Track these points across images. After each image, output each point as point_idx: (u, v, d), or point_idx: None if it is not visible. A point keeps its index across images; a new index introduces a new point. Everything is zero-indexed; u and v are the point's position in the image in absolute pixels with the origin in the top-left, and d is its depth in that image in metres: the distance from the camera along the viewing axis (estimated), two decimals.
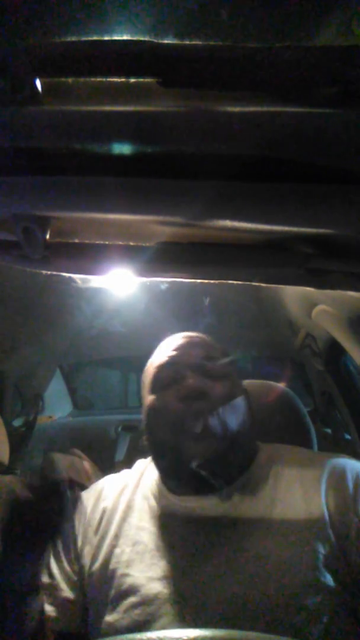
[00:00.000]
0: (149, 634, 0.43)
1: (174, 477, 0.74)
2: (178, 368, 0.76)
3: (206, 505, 0.70)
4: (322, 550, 0.62)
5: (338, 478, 0.69)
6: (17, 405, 1.80)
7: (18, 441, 1.74)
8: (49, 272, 0.59)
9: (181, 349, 0.79)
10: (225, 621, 0.58)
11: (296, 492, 0.68)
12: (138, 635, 0.44)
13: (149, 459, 0.84)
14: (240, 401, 0.74)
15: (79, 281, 0.69)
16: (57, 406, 2.36)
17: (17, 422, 1.80)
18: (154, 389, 0.77)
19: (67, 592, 0.70)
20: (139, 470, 0.83)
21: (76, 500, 0.80)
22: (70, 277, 0.63)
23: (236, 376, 0.80)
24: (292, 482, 0.70)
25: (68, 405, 2.62)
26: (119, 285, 1.00)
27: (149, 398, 0.77)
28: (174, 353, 0.78)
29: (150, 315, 1.32)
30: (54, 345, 1.71)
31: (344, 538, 0.63)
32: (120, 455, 1.88)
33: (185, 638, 0.42)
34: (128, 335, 1.61)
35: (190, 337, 0.83)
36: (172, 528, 0.70)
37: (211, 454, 0.67)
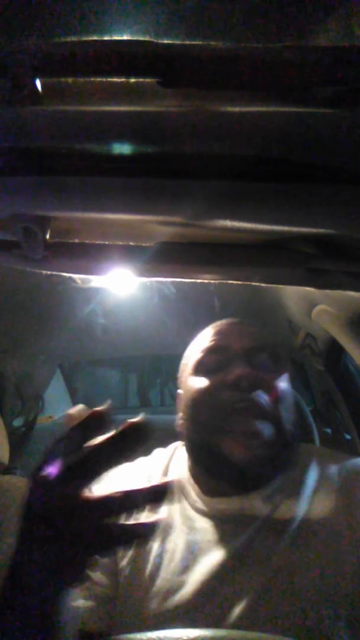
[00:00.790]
0: (149, 634, 0.43)
1: (211, 474, 0.66)
2: (227, 353, 0.68)
3: (244, 506, 0.63)
4: None
5: None
6: (17, 405, 1.80)
7: (18, 441, 1.74)
8: (49, 272, 0.59)
9: (231, 334, 0.71)
10: (261, 631, 0.52)
11: (335, 496, 0.63)
12: (138, 636, 0.43)
13: (169, 448, 0.77)
14: (290, 397, 0.67)
15: (79, 281, 0.69)
16: (57, 406, 2.36)
17: (17, 422, 1.80)
18: (197, 372, 0.69)
19: (106, 588, 0.63)
20: (162, 461, 0.75)
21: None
22: (70, 277, 0.63)
23: (287, 370, 0.71)
24: (331, 486, 0.65)
25: (68, 405, 2.62)
26: (119, 285, 1.00)
27: (190, 383, 0.69)
28: (223, 338, 0.71)
29: (151, 315, 1.32)
30: (54, 345, 1.71)
31: None
32: None
33: (185, 638, 0.42)
34: (128, 335, 1.61)
35: (241, 323, 0.75)
36: (204, 529, 0.64)
37: (259, 455, 0.61)
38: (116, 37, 0.37)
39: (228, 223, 0.47)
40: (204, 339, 0.73)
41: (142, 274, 0.58)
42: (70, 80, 0.42)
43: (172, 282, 0.61)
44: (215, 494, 0.66)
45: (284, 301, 1.29)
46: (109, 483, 0.74)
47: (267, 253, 0.55)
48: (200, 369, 0.69)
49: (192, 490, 0.69)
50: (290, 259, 0.54)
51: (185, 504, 0.68)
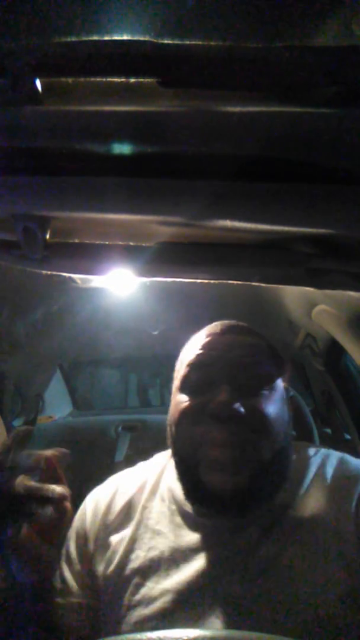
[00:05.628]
0: (149, 634, 0.43)
1: (193, 496, 0.65)
2: (213, 372, 0.64)
3: (227, 525, 0.63)
4: (355, 567, 0.57)
5: None
6: (17, 405, 1.80)
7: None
8: (49, 272, 0.59)
9: (223, 347, 0.67)
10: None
11: (327, 508, 0.62)
12: (138, 635, 0.44)
13: (168, 452, 0.75)
14: (281, 421, 0.63)
15: (79, 281, 0.69)
16: (57, 406, 2.37)
17: (17, 422, 1.80)
18: (182, 389, 0.67)
19: (78, 596, 0.67)
20: (158, 467, 0.75)
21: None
22: (70, 277, 0.63)
23: (284, 385, 0.68)
24: (323, 496, 0.64)
25: (68, 405, 2.62)
26: (119, 285, 1.00)
27: (176, 398, 0.67)
28: (213, 352, 0.67)
29: (151, 315, 1.33)
30: (54, 345, 1.71)
31: None
32: (120, 455, 1.87)
33: (185, 638, 0.42)
34: (128, 335, 1.61)
35: (237, 331, 0.70)
36: (189, 539, 0.64)
37: (236, 489, 0.59)
38: (116, 37, 0.37)
39: (228, 223, 0.47)
40: (194, 347, 0.70)
41: (142, 274, 0.58)
42: (70, 80, 0.42)
43: (172, 282, 0.60)
44: (200, 512, 0.65)
45: (284, 301, 1.29)
46: (108, 487, 0.76)
47: (267, 253, 0.55)
48: (184, 385, 0.67)
49: (181, 500, 0.68)
50: (290, 259, 0.54)
51: (175, 511, 0.68)
